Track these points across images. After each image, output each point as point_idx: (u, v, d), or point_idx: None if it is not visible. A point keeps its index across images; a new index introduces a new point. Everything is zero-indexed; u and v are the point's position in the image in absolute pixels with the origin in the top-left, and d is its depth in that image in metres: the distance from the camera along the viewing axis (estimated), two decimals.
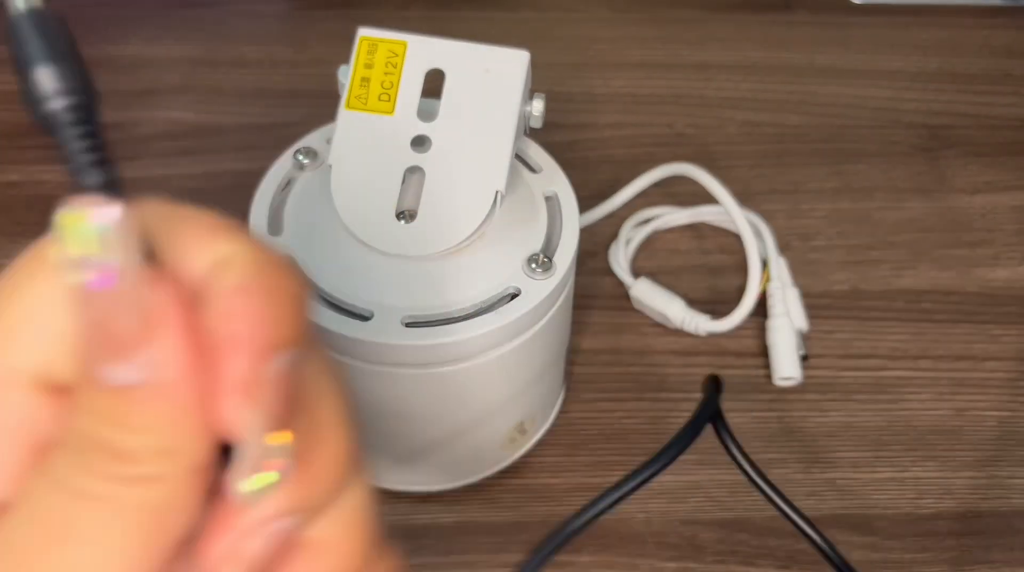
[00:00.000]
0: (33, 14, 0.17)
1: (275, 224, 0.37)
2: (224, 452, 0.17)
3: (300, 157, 0.38)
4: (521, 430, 0.40)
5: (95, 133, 0.17)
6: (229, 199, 0.52)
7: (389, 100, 0.36)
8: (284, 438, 0.17)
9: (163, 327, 0.16)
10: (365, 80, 0.36)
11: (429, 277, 0.35)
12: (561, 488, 0.41)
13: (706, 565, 0.39)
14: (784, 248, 0.49)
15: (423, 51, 0.36)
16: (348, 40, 0.37)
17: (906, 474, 0.42)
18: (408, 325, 0.34)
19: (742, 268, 0.48)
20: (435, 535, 0.39)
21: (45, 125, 0.18)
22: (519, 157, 0.39)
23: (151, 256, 0.17)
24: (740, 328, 0.46)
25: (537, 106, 0.37)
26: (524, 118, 0.37)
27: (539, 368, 0.39)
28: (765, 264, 0.47)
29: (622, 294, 0.48)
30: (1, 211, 0.50)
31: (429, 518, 0.38)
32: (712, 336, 0.46)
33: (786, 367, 0.44)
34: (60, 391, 0.17)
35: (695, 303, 0.46)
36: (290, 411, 0.17)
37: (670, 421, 0.43)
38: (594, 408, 0.44)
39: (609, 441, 0.43)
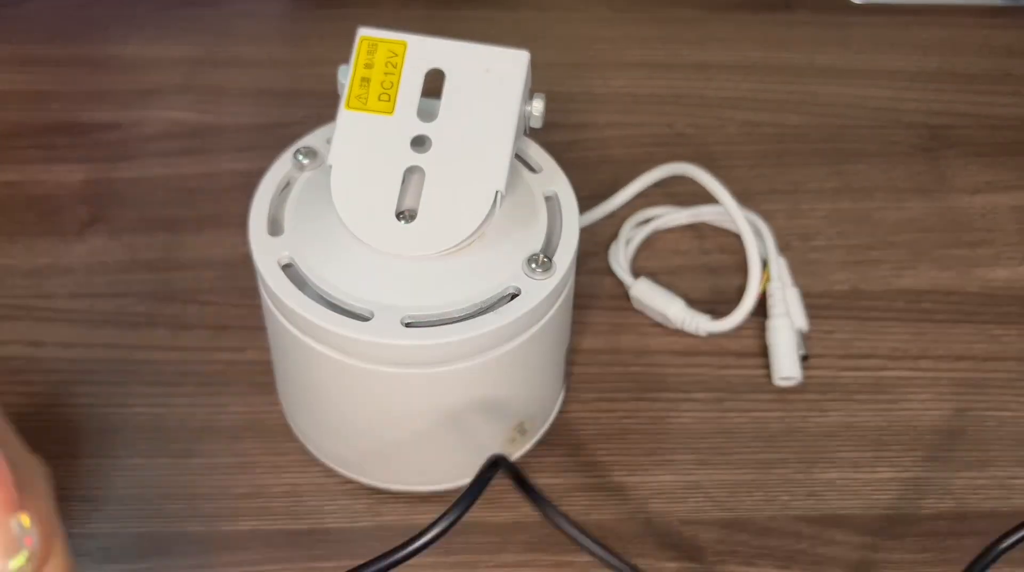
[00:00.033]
0: None
1: (275, 224, 0.37)
2: None
3: (300, 157, 0.38)
4: (521, 430, 0.40)
5: None
6: (229, 199, 0.53)
7: (389, 100, 0.36)
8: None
9: None
10: (365, 80, 0.36)
11: (429, 277, 0.35)
12: (561, 488, 0.41)
13: (706, 565, 0.39)
14: (784, 248, 0.49)
15: (423, 51, 0.36)
16: (348, 40, 0.37)
17: (906, 474, 0.42)
18: (408, 325, 0.34)
19: (742, 268, 0.48)
20: None
21: None
22: (519, 157, 0.39)
23: None
24: (740, 328, 0.46)
25: (537, 106, 0.37)
26: (524, 118, 0.37)
27: (539, 368, 0.39)
28: (765, 264, 0.47)
29: (622, 294, 0.48)
30: (0, 211, 0.50)
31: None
32: (712, 336, 0.46)
33: (786, 367, 0.44)
34: None
35: (695, 303, 0.46)
36: None
37: (670, 421, 0.43)
38: (594, 408, 0.44)
39: (609, 441, 0.43)
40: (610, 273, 0.48)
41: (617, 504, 0.41)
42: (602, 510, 0.41)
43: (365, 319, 0.35)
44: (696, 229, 0.51)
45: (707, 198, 0.48)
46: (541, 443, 0.42)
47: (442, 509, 0.40)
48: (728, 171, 0.52)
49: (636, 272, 0.48)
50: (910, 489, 0.42)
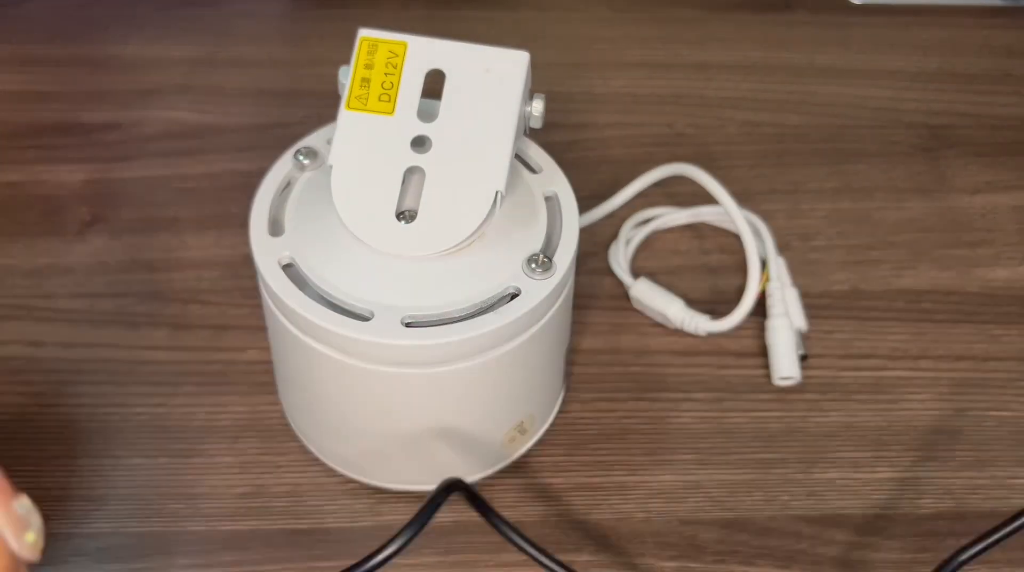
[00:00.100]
0: None
1: (276, 224, 0.37)
2: None
3: (301, 157, 0.38)
4: (521, 430, 0.40)
5: None
6: (229, 199, 0.53)
7: (389, 100, 0.36)
8: None
9: None
10: (365, 81, 0.36)
11: (429, 277, 0.35)
12: (561, 488, 0.41)
13: (706, 565, 0.39)
14: (784, 248, 0.49)
15: (423, 52, 0.36)
16: (348, 40, 0.37)
17: (906, 474, 0.42)
18: (408, 325, 0.35)
19: (742, 268, 0.48)
20: (435, 535, 0.39)
21: None
22: (519, 157, 0.39)
23: None
24: (740, 328, 0.46)
25: (537, 106, 0.37)
26: (524, 118, 0.37)
27: (539, 368, 0.39)
28: (764, 264, 0.47)
29: (622, 294, 0.48)
30: (1, 211, 0.50)
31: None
32: (712, 336, 0.46)
33: (785, 367, 0.44)
34: None
35: (695, 303, 0.46)
36: None
37: (670, 421, 0.43)
38: (594, 408, 0.44)
39: (609, 441, 0.43)
40: (610, 273, 0.48)
41: (617, 504, 0.41)
42: (602, 510, 0.41)
43: (365, 319, 0.35)
44: (695, 229, 0.51)
45: (707, 198, 0.48)
46: (541, 443, 0.42)
47: (442, 508, 0.40)
48: (728, 171, 0.52)
49: (636, 272, 0.48)
50: (910, 489, 0.42)
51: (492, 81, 0.36)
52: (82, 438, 0.42)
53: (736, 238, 0.49)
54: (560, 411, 0.43)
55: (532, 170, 0.39)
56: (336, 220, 0.35)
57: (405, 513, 0.40)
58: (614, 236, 0.49)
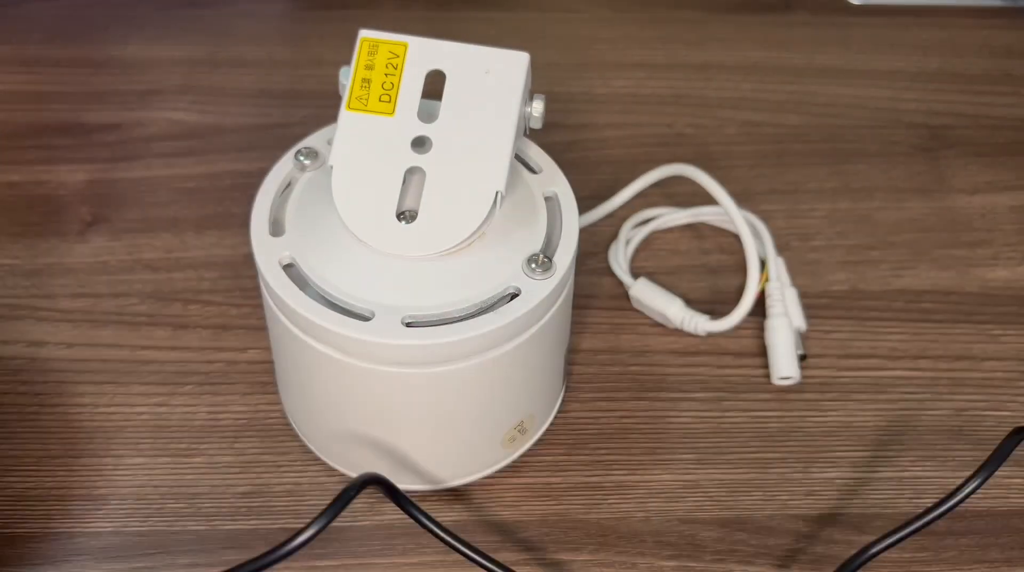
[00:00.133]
0: None
1: (276, 224, 0.37)
2: None
3: (301, 158, 0.39)
4: (521, 429, 0.40)
5: None
6: (230, 199, 0.53)
7: (390, 101, 0.36)
8: None
9: None
10: (366, 81, 0.36)
11: (429, 277, 0.35)
12: (561, 487, 0.41)
13: (705, 564, 0.39)
14: (783, 248, 0.49)
15: (424, 52, 0.36)
16: (348, 40, 0.37)
17: (905, 474, 0.42)
18: (408, 325, 0.35)
19: (741, 268, 0.48)
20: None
21: None
22: (519, 157, 0.39)
23: None
24: (739, 328, 0.46)
25: (537, 107, 0.37)
26: (524, 119, 0.37)
27: (539, 368, 0.39)
28: (764, 264, 0.47)
29: (621, 294, 0.48)
30: (1, 211, 0.50)
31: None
32: (711, 336, 0.46)
33: (785, 367, 0.44)
34: None
35: (694, 303, 0.47)
36: None
37: (669, 420, 0.44)
38: (594, 407, 0.44)
39: (608, 440, 0.43)
40: (610, 273, 0.48)
41: (616, 503, 0.41)
42: (601, 509, 0.41)
43: (366, 319, 0.35)
44: (695, 229, 0.51)
45: (706, 198, 0.48)
46: (541, 442, 0.42)
47: (441, 508, 0.41)
48: (728, 171, 0.52)
49: (635, 272, 0.48)
50: (909, 489, 0.42)
51: (492, 82, 0.36)
52: (83, 437, 0.42)
53: (736, 238, 0.49)
54: (560, 411, 0.43)
55: (532, 170, 0.39)
56: (337, 220, 0.35)
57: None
58: (614, 236, 0.49)
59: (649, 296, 0.46)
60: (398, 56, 0.36)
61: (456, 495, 0.41)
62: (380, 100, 0.36)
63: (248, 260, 0.48)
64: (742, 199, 0.48)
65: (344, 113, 0.36)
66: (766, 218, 0.49)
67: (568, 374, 0.44)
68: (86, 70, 0.57)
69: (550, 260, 0.36)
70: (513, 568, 0.37)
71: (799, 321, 0.46)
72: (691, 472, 0.42)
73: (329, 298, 0.35)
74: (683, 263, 0.49)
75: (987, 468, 0.36)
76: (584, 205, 0.49)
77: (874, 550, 0.36)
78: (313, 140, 0.39)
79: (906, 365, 0.46)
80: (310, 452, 0.42)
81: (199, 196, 0.51)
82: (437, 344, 0.34)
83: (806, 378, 0.45)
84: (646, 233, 0.50)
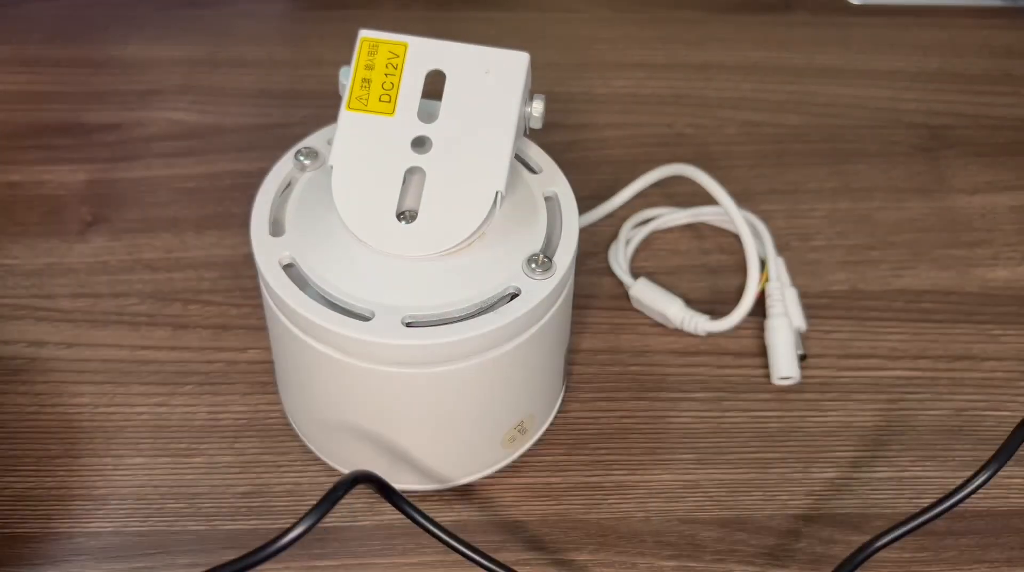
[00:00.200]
0: None
1: (276, 224, 0.37)
2: None
3: (301, 158, 0.39)
4: (521, 429, 0.40)
5: None
6: (230, 199, 0.53)
7: (390, 101, 0.36)
8: None
9: None
10: (366, 81, 0.36)
11: (429, 277, 0.35)
12: (561, 487, 0.41)
13: (705, 564, 0.39)
14: (783, 248, 0.49)
15: (424, 52, 0.36)
16: (348, 40, 0.37)
17: (905, 474, 0.42)
18: (408, 325, 0.35)
19: (741, 268, 0.48)
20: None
21: None
22: (519, 157, 0.39)
23: None
24: (739, 328, 0.46)
25: (537, 107, 0.37)
26: (524, 119, 0.37)
27: (539, 368, 0.39)
28: (764, 264, 0.47)
29: (621, 294, 0.48)
30: (1, 211, 0.50)
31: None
32: (711, 336, 0.46)
33: (784, 367, 0.44)
34: None
35: (694, 303, 0.47)
36: None
37: (669, 420, 0.44)
38: (594, 407, 0.44)
39: (608, 440, 0.43)
40: (610, 273, 0.48)
41: (616, 503, 0.41)
42: (601, 509, 0.41)
43: (366, 319, 0.35)
44: (695, 229, 0.51)
45: (706, 198, 0.48)
46: (541, 442, 0.42)
47: (441, 508, 0.41)
48: (728, 171, 0.52)
49: (635, 272, 0.48)
50: (908, 489, 0.42)
51: (492, 82, 0.36)
52: (83, 437, 0.42)
53: (736, 238, 0.49)
54: (560, 411, 0.43)
55: (532, 170, 0.39)
56: (337, 220, 0.35)
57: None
58: (614, 236, 0.49)
59: (649, 296, 0.46)
60: (398, 56, 0.36)
61: (456, 495, 0.41)
62: (380, 100, 0.36)
63: (248, 260, 0.47)
64: (742, 199, 0.48)
65: (344, 113, 0.36)
66: (766, 218, 0.49)
67: (568, 374, 0.44)
68: (86, 70, 0.57)
69: (550, 260, 0.36)
70: (512, 567, 0.37)
71: (799, 321, 0.46)
72: (691, 472, 0.42)
73: (329, 298, 0.35)
74: (683, 263, 0.49)
75: (996, 461, 0.36)
76: (584, 205, 0.49)
77: (878, 544, 0.36)
78: (313, 140, 0.39)
79: (906, 365, 0.46)
80: (310, 452, 0.42)
81: (199, 196, 0.51)
82: (437, 344, 0.34)
83: (806, 378, 0.45)
84: (646, 233, 0.50)
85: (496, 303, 0.36)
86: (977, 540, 0.40)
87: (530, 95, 0.37)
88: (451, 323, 0.35)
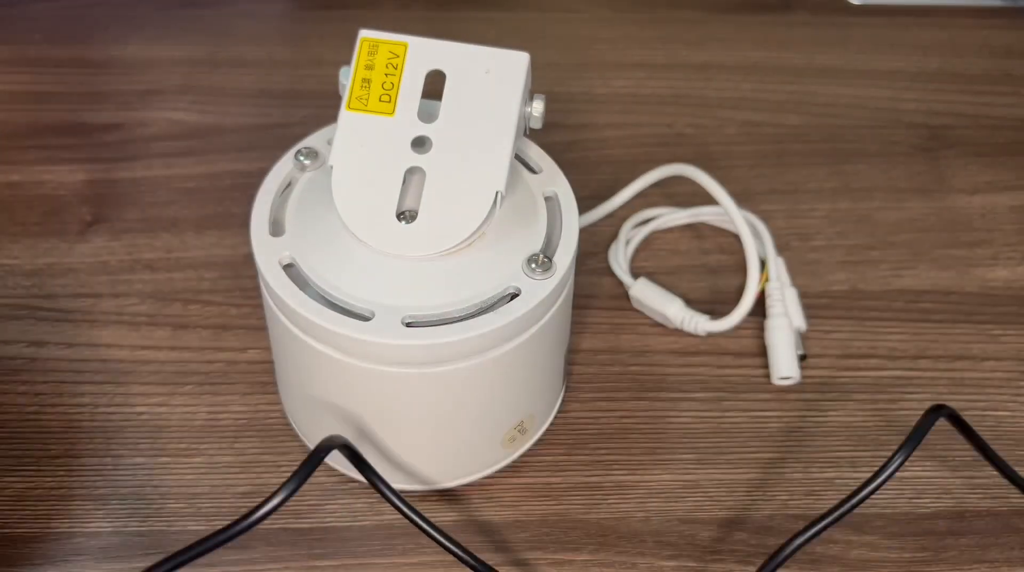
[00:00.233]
0: None
1: (276, 224, 0.37)
2: None
3: (301, 158, 0.39)
4: (521, 429, 0.40)
5: None
6: (230, 199, 0.53)
7: (390, 101, 0.36)
8: None
9: None
10: (366, 81, 0.36)
11: (429, 277, 0.35)
12: (561, 487, 0.41)
13: (704, 564, 0.39)
14: (783, 248, 0.49)
15: (424, 52, 0.36)
16: (348, 40, 0.37)
17: (905, 474, 0.42)
18: (408, 325, 0.35)
19: (741, 268, 0.48)
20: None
21: None
22: (519, 158, 0.39)
23: None
24: (739, 328, 0.46)
25: (537, 107, 0.37)
26: (524, 119, 0.37)
27: (539, 368, 0.39)
28: (764, 264, 0.47)
29: (621, 294, 0.48)
30: (1, 211, 0.50)
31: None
32: (711, 336, 0.46)
33: (784, 367, 0.44)
34: None
35: (694, 303, 0.47)
36: None
37: (669, 420, 0.44)
38: (594, 407, 0.44)
39: (608, 440, 0.43)
40: (610, 273, 0.48)
41: (616, 503, 0.41)
42: (601, 509, 0.41)
43: (366, 319, 0.35)
44: (695, 229, 0.51)
45: (706, 198, 0.48)
46: (541, 442, 0.42)
47: (442, 507, 0.41)
48: (727, 171, 0.52)
49: (635, 272, 0.48)
50: (908, 488, 0.42)
51: (492, 82, 0.36)
52: (83, 437, 0.42)
53: (735, 238, 0.49)
54: (560, 411, 0.43)
55: (532, 170, 0.39)
56: (337, 220, 0.35)
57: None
58: (614, 236, 0.50)
59: (649, 296, 0.46)
60: (398, 56, 0.36)
61: (456, 495, 0.41)
62: (380, 100, 0.36)
63: (248, 260, 0.48)
64: (742, 199, 0.48)
65: (344, 113, 0.36)
66: (766, 218, 0.49)
67: (568, 374, 0.44)
68: (86, 70, 0.57)
69: (550, 260, 0.36)
70: (494, 568, 0.37)
71: (799, 321, 0.46)
72: (691, 472, 0.42)
73: (329, 298, 0.35)
74: (683, 263, 0.49)
75: (907, 447, 0.37)
76: (584, 205, 0.49)
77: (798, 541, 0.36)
78: (313, 140, 0.40)
79: (905, 365, 0.46)
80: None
81: (199, 196, 0.51)
82: (437, 344, 0.34)
83: (806, 378, 0.45)
84: (646, 233, 0.50)
85: (496, 303, 0.36)
86: (977, 540, 0.40)
87: (530, 95, 0.37)
88: (451, 323, 0.35)
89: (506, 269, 0.36)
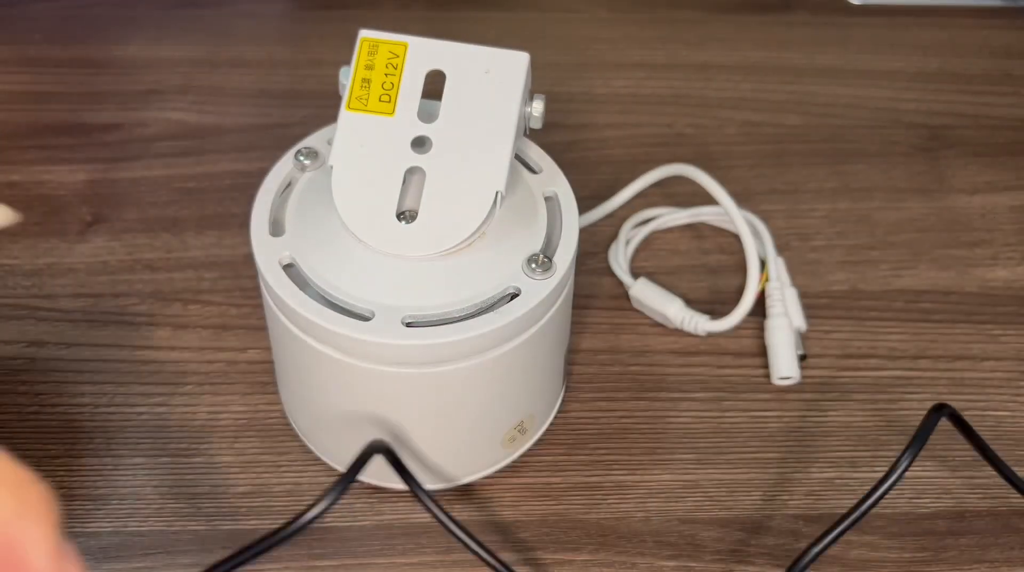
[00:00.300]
0: None
1: (276, 224, 0.37)
2: None
3: (301, 158, 0.39)
4: (521, 429, 0.40)
5: None
6: (230, 199, 0.53)
7: (390, 101, 0.36)
8: None
9: None
10: (366, 81, 0.36)
11: (429, 277, 0.35)
12: (561, 487, 0.41)
13: (704, 564, 0.39)
14: (783, 248, 0.49)
15: (424, 52, 0.36)
16: (348, 40, 0.37)
17: (905, 474, 0.42)
18: (408, 325, 0.35)
19: (741, 268, 0.48)
20: (435, 534, 0.39)
21: None
22: (519, 157, 0.39)
23: None
24: (739, 328, 0.46)
25: (537, 107, 0.37)
26: (524, 119, 0.37)
27: (539, 368, 0.39)
28: (764, 264, 0.47)
29: (621, 294, 0.48)
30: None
31: (429, 517, 0.38)
32: (711, 336, 0.46)
33: (784, 367, 0.44)
34: None
35: (694, 303, 0.47)
36: None
37: (669, 420, 0.44)
38: (593, 407, 0.44)
39: (608, 440, 0.43)
40: (610, 273, 0.48)
41: (616, 503, 0.41)
42: (601, 509, 0.41)
43: (366, 319, 0.35)
44: (695, 229, 0.51)
45: (706, 198, 0.48)
46: (541, 442, 0.42)
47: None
48: (727, 171, 0.52)
49: (635, 272, 0.48)
50: (908, 488, 0.42)
51: (492, 82, 0.36)
52: (83, 438, 0.42)
53: (735, 238, 0.49)
54: (560, 411, 0.43)
55: (532, 170, 0.39)
56: (337, 220, 0.35)
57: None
58: (614, 236, 0.50)
59: (649, 296, 0.46)
60: (398, 56, 0.36)
61: (456, 495, 0.41)
62: (380, 100, 0.36)
63: (248, 260, 0.48)
64: (742, 199, 0.48)
65: (344, 113, 0.36)
66: (766, 218, 0.49)
67: (568, 374, 0.44)
68: (86, 70, 0.57)
69: (550, 260, 0.36)
70: (512, 567, 0.37)
71: (799, 321, 0.46)
72: (691, 472, 0.42)
73: (329, 298, 0.35)
74: (683, 263, 0.49)
75: (913, 447, 0.37)
76: (584, 205, 0.49)
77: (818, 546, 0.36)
78: (313, 140, 0.40)
79: (905, 365, 0.46)
80: (310, 452, 0.42)
81: (199, 196, 0.51)
82: (437, 344, 0.34)
83: (806, 378, 0.45)
84: (646, 233, 0.50)
85: (496, 303, 0.36)
86: (977, 540, 0.40)
87: (530, 95, 0.37)
88: (451, 323, 0.35)
89: (506, 269, 0.36)
